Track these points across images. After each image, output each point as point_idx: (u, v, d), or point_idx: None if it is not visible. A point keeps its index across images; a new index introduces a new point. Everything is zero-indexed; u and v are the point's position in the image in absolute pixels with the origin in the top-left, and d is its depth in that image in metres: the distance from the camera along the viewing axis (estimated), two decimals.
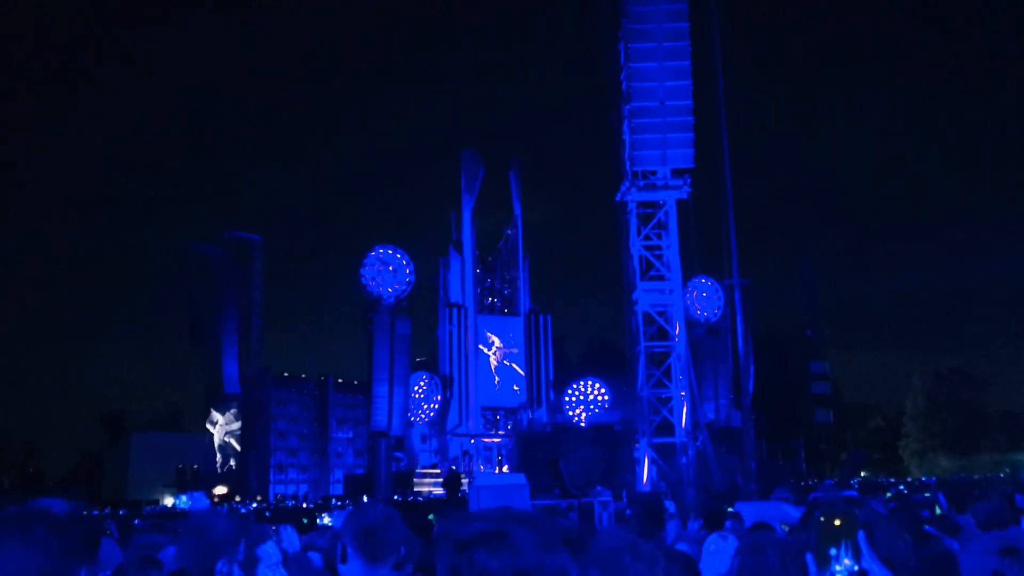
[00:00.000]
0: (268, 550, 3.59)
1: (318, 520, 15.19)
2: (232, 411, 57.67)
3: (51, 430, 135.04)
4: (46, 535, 1.91)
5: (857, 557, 2.04)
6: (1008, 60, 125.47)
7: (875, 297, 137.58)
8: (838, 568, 2.04)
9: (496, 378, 61.36)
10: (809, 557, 2.24)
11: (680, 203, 41.60)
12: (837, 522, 2.06)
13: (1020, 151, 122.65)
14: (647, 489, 37.25)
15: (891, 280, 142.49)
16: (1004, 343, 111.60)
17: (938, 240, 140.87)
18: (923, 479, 47.07)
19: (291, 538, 9.80)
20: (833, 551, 2.05)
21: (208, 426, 58.93)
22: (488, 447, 59.88)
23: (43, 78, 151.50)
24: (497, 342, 61.52)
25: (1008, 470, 52.50)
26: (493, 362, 61.28)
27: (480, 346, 60.57)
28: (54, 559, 1.91)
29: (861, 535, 2.06)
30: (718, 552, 4.95)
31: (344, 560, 3.48)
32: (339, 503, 46.51)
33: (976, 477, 43.88)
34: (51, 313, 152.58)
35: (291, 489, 56.04)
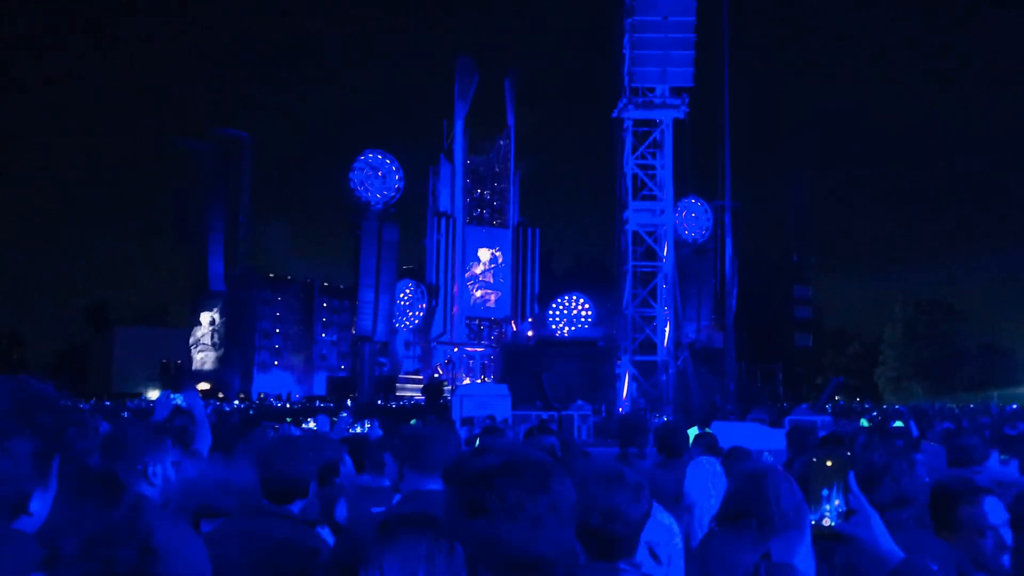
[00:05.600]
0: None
1: (303, 424, 15.32)
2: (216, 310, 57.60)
3: (35, 320, 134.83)
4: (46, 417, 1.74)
5: (847, 498, 2.11)
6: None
7: (862, 225, 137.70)
8: (828, 508, 2.12)
9: (480, 289, 61.55)
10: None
11: (676, 123, 41.10)
12: (829, 463, 2.13)
13: (1016, 83, 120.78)
14: (627, 404, 37.91)
15: (879, 209, 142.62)
16: (985, 278, 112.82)
17: (929, 172, 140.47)
18: (896, 407, 47.96)
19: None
20: (825, 491, 2.12)
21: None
22: (471, 356, 60.52)
23: None
24: (484, 254, 61.49)
25: (980, 401, 53.57)
26: (478, 272, 61.35)
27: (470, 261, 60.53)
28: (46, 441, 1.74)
29: (851, 476, 2.13)
30: (703, 475, 4.98)
31: None
32: (322, 404, 47.07)
33: (949, 405, 44.73)
34: (37, 202, 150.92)
35: (272, 389, 56.46)
